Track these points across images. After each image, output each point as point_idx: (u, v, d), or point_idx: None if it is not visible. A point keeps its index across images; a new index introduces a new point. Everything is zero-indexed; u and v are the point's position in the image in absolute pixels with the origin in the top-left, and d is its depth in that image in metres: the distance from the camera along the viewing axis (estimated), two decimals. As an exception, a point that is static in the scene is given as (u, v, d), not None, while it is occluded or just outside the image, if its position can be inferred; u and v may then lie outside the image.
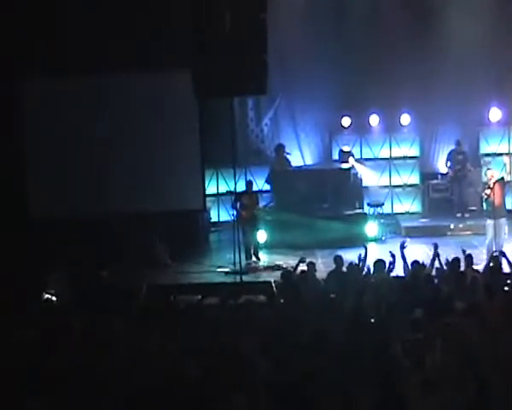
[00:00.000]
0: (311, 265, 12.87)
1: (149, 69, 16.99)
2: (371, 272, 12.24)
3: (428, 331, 9.06)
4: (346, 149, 19.81)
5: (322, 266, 14.94)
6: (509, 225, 16.37)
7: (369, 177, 20.01)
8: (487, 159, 19.72)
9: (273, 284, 13.95)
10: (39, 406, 7.75)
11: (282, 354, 8.44)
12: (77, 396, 7.83)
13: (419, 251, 15.16)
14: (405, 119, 20.06)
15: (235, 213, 16.81)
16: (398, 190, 20.26)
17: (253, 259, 16.81)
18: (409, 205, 20.23)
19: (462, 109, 19.53)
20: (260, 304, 11.46)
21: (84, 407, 7.77)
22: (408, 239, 14.58)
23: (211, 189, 19.32)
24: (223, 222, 19.34)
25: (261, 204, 17.80)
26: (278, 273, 13.64)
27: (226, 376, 7.92)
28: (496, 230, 15.57)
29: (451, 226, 18.48)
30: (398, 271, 12.53)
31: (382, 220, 18.78)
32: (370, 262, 12.54)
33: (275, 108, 20.22)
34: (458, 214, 19.19)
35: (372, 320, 9.80)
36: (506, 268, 12.58)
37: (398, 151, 20.36)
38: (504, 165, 18.38)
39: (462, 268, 12.38)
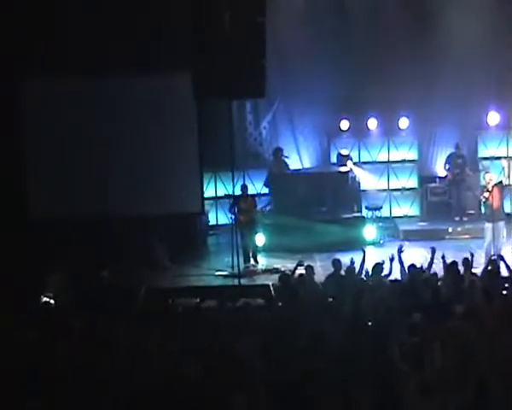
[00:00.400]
0: (310, 268, 12.84)
1: (149, 71, 16.99)
2: (369, 275, 12.29)
3: (426, 335, 9.09)
4: (344, 152, 19.74)
5: (321, 269, 14.93)
6: (508, 229, 16.37)
7: (368, 180, 19.99)
8: (485, 163, 19.70)
9: (271, 288, 13.94)
10: (39, 406, 7.77)
11: (281, 355, 8.47)
12: (77, 396, 7.86)
13: (417, 254, 15.14)
14: (404, 122, 20.03)
15: (233, 217, 16.81)
16: (396, 193, 20.23)
17: (252, 262, 16.77)
18: (407, 208, 20.21)
19: (460, 113, 19.49)
20: (258, 307, 11.46)
21: (84, 407, 7.80)
22: (406, 243, 14.58)
23: (209, 192, 19.27)
24: (221, 225, 19.31)
25: (258, 207, 17.80)
26: (276, 277, 13.55)
27: (226, 376, 7.94)
28: (494, 233, 15.58)
29: (450, 230, 18.45)
30: (396, 274, 12.58)
31: (380, 224, 18.76)
32: (369, 266, 12.59)
33: (273, 111, 20.15)
34: (456, 218, 19.14)
35: (370, 323, 9.83)
36: (504, 272, 12.61)
37: (396, 155, 20.31)
38: (503, 168, 18.33)
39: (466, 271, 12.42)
